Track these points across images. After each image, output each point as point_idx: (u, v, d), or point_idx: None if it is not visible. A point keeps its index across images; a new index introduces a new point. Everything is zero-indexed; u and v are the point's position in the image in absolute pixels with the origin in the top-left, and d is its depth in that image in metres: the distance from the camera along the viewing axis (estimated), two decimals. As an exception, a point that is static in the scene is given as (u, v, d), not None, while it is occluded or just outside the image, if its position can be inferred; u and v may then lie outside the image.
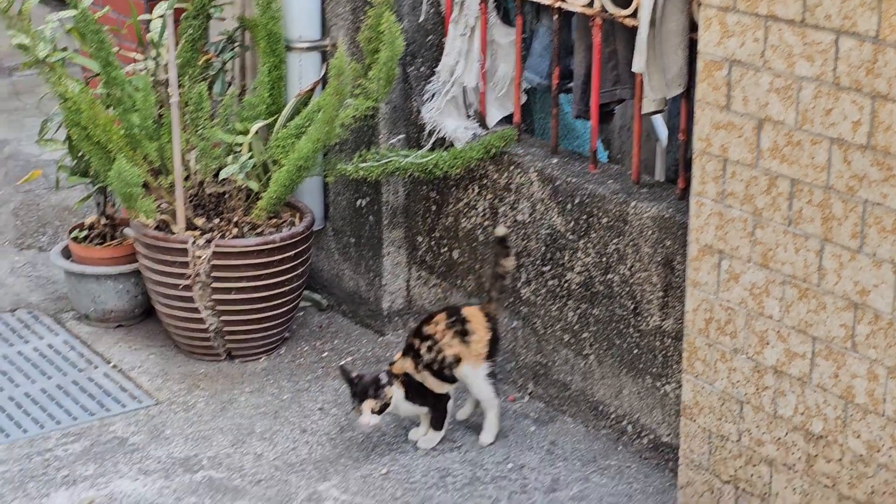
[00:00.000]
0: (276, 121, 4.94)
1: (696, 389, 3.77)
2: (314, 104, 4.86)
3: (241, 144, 4.86)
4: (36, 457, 4.42)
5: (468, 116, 4.78)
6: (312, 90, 5.01)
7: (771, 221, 3.46)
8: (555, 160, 4.54)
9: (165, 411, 4.68)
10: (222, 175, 4.81)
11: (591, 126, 4.39)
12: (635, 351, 4.30)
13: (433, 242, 4.96)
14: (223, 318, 4.86)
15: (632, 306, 4.27)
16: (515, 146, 4.64)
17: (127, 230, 5.27)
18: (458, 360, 4.31)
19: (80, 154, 5.11)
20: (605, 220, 4.29)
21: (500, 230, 4.34)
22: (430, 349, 4.31)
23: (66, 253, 5.28)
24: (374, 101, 4.75)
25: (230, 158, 4.86)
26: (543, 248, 4.53)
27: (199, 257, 4.78)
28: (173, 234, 4.86)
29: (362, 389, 4.25)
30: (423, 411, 4.40)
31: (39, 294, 5.53)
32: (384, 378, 4.27)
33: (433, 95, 4.79)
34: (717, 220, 3.59)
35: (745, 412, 3.64)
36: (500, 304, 4.40)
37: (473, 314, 4.34)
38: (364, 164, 4.76)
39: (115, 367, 4.98)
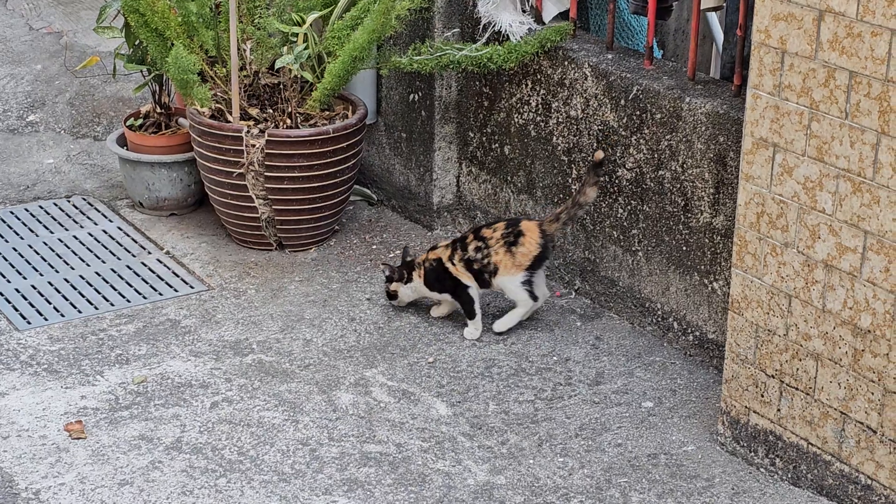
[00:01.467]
0: (331, 12, 4.95)
1: (745, 283, 3.79)
2: (370, -4, 4.86)
3: (296, 35, 4.88)
4: (90, 336, 4.50)
5: (524, 11, 4.78)
6: (369, -17, 5.02)
7: (827, 115, 3.45)
8: (609, 56, 4.53)
9: (217, 297, 4.74)
10: (277, 65, 4.84)
11: (648, 21, 4.38)
12: (684, 248, 4.32)
13: (484, 138, 4.98)
14: (275, 207, 4.91)
15: (682, 203, 4.28)
16: (570, 41, 4.64)
17: (182, 119, 5.31)
18: (496, 270, 4.41)
19: (136, 42, 5.14)
20: (658, 116, 4.29)
21: (600, 154, 4.40)
22: (478, 250, 4.42)
23: (122, 141, 5.33)
24: (431, -6, 4.76)
25: (285, 49, 4.89)
26: (595, 144, 4.54)
27: (253, 146, 4.82)
28: (228, 122, 4.90)
29: (392, 269, 4.57)
30: (445, 298, 4.54)
31: (94, 181, 5.60)
32: (386, 272, 4.58)
33: (489, -10, 4.79)
34: (773, 113, 3.59)
35: (794, 306, 3.66)
36: (563, 227, 4.49)
37: (530, 229, 4.41)
38: (418, 57, 4.77)
39: (167, 253, 5.04)
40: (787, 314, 3.69)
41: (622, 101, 4.41)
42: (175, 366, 4.33)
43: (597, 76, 4.48)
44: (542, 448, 3.96)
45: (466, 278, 4.45)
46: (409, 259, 4.58)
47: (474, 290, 4.46)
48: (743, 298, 3.80)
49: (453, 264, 4.46)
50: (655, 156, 4.33)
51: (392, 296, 4.61)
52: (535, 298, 4.46)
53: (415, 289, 4.56)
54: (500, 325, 4.51)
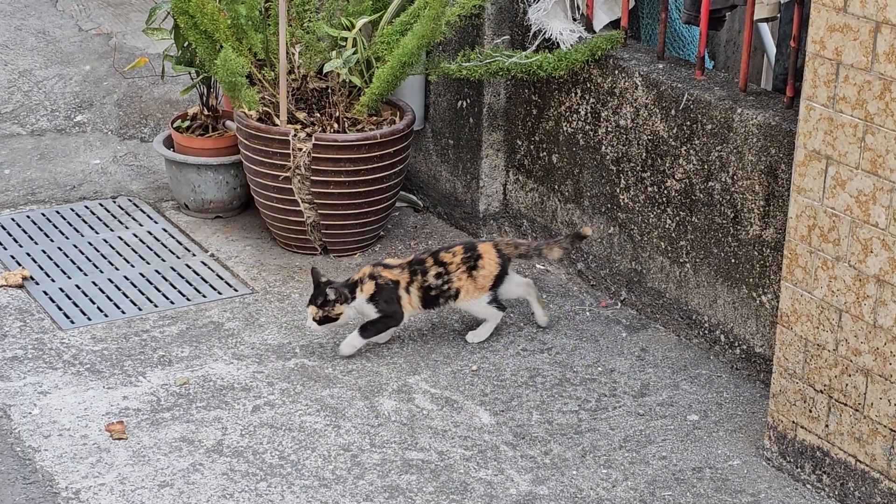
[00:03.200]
0: (381, 17, 4.94)
1: (795, 297, 3.74)
2: (420, 1, 4.84)
3: (345, 39, 4.86)
4: (133, 337, 4.49)
5: (574, 19, 4.74)
6: (419, -12, 5.00)
7: (882, 127, 3.40)
8: (660, 65, 4.49)
9: (260, 300, 4.73)
10: (326, 69, 4.82)
11: (700, 31, 4.34)
12: (732, 260, 4.27)
13: (532, 146, 4.95)
14: (321, 211, 4.90)
15: (731, 215, 4.24)
16: (621, 50, 4.60)
17: (228, 122, 5.31)
18: (457, 295, 4.38)
19: (185, 44, 5.15)
20: (709, 127, 4.25)
21: (588, 230, 4.47)
22: (439, 276, 4.36)
23: (168, 143, 5.34)
24: (482, 0, 4.73)
25: (334, 53, 4.87)
26: (644, 154, 4.50)
27: (300, 150, 4.81)
28: (275, 125, 4.89)
29: (315, 295, 4.29)
30: (372, 316, 4.35)
31: (140, 183, 5.60)
32: (332, 295, 4.27)
33: (540, -3, 4.76)
34: (827, 125, 3.54)
35: (844, 321, 3.61)
36: (517, 258, 4.46)
37: (487, 251, 4.39)
38: (467, 64, 4.75)
39: (212, 255, 5.04)
40: (837, 329, 3.64)
41: (672, 112, 4.37)
42: (217, 368, 4.32)
43: (647, 85, 4.44)
44: (586, 459, 3.92)
45: (409, 311, 4.36)
46: (327, 280, 4.34)
47: (405, 317, 4.37)
48: (792, 312, 3.75)
49: (408, 293, 4.35)
50: (705, 167, 4.29)
51: (334, 319, 4.31)
52: (503, 309, 4.45)
53: (358, 307, 4.34)
54: (475, 336, 4.48)
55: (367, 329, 4.36)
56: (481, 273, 4.38)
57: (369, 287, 4.32)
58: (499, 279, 4.41)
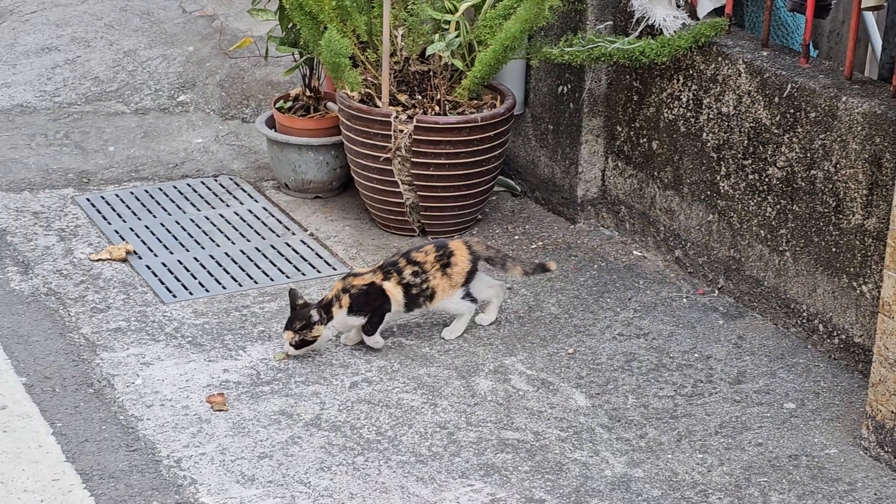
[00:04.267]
0: (484, 1, 4.96)
1: (897, 286, 3.71)
2: (524, -14, 4.86)
3: (448, 23, 4.89)
4: (234, 312, 4.56)
5: (678, 6, 4.74)
6: (522, -27, 5.02)
7: None
8: (764, 53, 4.48)
9: (359, 279, 4.77)
10: (429, 51, 4.86)
11: (806, 19, 4.32)
12: (833, 249, 4.25)
13: (632, 132, 4.95)
14: (420, 193, 4.93)
15: (833, 204, 4.21)
16: (724, 38, 4.59)
17: (330, 104, 5.36)
18: (433, 295, 4.35)
19: (290, 25, 5.20)
20: (812, 115, 4.23)
21: (552, 265, 4.46)
22: (415, 274, 4.33)
23: (270, 123, 5.40)
24: (585, -14, 4.75)
25: (437, 36, 4.90)
26: (746, 142, 4.49)
27: (401, 131, 4.85)
28: (377, 107, 4.93)
29: (291, 319, 4.25)
30: (360, 322, 4.31)
31: (241, 162, 5.67)
32: (315, 317, 4.24)
33: (644, -17, 4.76)
34: (935, 113, 3.52)
35: (947, 311, 3.58)
36: (485, 259, 4.43)
37: (459, 248, 4.39)
38: (570, 49, 4.76)
39: (311, 235, 5.09)
40: (940, 319, 3.61)
41: (776, 99, 4.35)
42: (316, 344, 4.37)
43: (751, 73, 4.43)
44: (681, 443, 3.92)
45: (395, 301, 4.31)
46: (304, 302, 4.30)
47: (391, 314, 4.34)
48: (895, 301, 3.73)
49: (392, 284, 4.31)
50: (808, 155, 4.27)
51: (310, 342, 4.26)
52: (475, 301, 4.44)
53: (337, 324, 4.29)
54: (450, 332, 4.45)
55: (368, 329, 4.33)
56: (454, 270, 4.37)
57: (346, 301, 4.28)
58: (470, 275, 4.39)
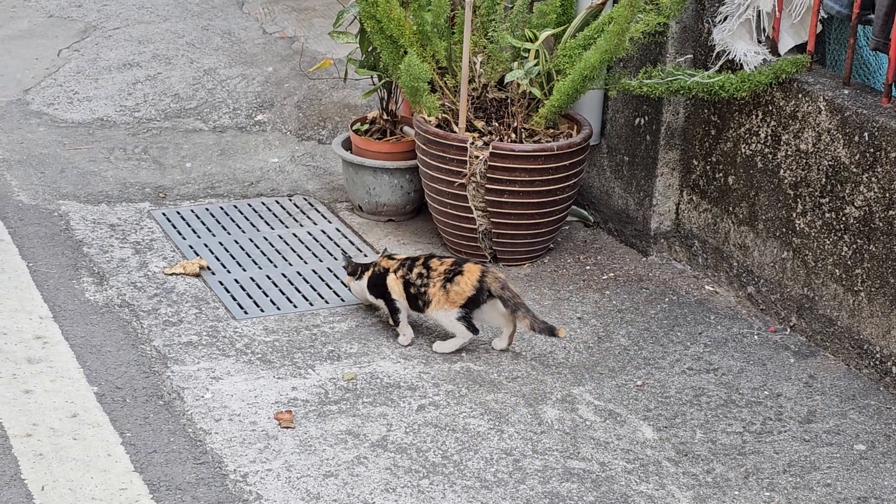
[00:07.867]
0: (564, 30, 4.97)
1: (975, 330, 3.67)
2: (605, 17, 4.87)
3: (528, 51, 4.91)
4: (304, 330, 4.58)
5: (759, 41, 4.72)
6: (603, 3, 5.02)
7: None
8: (846, 91, 4.45)
9: (429, 303, 4.78)
10: (507, 79, 4.87)
11: (889, 58, 4.29)
12: (909, 291, 4.21)
13: (708, 166, 4.93)
14: (493, 220, 4.94)
15: (911, 245, 4.18)
16: (806, 74, 4.57)
17: (406, 128, 5.39)
18: (428, 302, 4.43)
19: (370, 48, 5.24)
20: (893, 155, 4.20)
21: (562, 332, 4.41)
22: (420, 276, 4.45)
23: (346, 145, 5.43)
24: (666, 18, 4.74)
25: (515, 64, 4.92)
26: (824, 180, 4.46)
27: (477, 157, 4.86)
28: (454, 132, 4.95)
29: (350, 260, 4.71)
30: (380, 304, 4.58)
31: (316, 183, 5.71)
32: (350, 268, 4.66)
33: (726, 17, 4.75)
34: None
35: None
36: (498, 297, 4.42)
37: (471, 271, 4.42)
38: (649, 81, 4.76)
39: (383, 257, 5.11)
40: None
41: (856, 138, 4.32)
42: (384, 366, 4.39)
43: (831, 111, 4.40)
44: (749, 481, 3.89)
45: (396, 293, 4.49)
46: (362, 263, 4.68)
47: (401, 304, 4.50)
48: (971, 346, 3.69)
49: (395, 276, 4.51)
50: (887, 195, 4.24)
51: (345, 285, 4.79)
52: (475, 331, 4.44)
53: (360, 287, 4.62)
54: (441, 346, 4.49)
55: (391, 318, 4.56)
56: (455, 289, 4.40)
57: (368, 274, 4.60)
58: (472, 301, 4.40)
